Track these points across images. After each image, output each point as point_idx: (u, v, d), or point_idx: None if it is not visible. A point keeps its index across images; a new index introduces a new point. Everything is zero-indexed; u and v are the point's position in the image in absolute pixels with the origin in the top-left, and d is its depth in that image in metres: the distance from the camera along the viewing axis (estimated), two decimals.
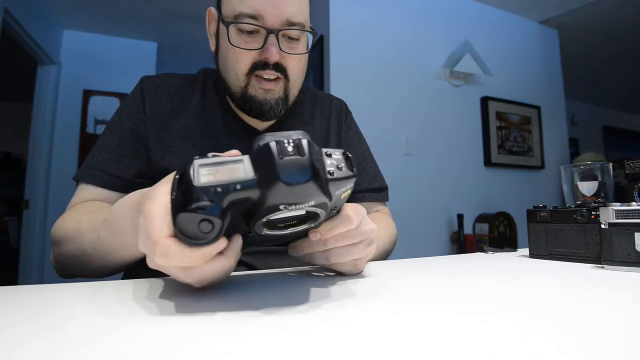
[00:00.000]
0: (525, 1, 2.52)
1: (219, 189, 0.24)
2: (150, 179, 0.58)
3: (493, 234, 2.12)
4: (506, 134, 2.48)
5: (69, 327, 0.24)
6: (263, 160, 0.25)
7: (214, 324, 0.24)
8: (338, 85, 1.98)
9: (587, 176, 0.57)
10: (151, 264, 0.27)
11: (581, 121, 4.47)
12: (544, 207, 0.56)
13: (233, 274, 0.45)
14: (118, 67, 2.89)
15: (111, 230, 0.40)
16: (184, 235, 0.24)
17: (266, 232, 0.31)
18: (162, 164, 0.58)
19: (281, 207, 0.26)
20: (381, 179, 0.77)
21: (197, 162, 0.25)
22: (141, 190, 0.36)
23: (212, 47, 0.63)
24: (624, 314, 0.27)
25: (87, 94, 2.79)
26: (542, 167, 2.61)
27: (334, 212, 0.35)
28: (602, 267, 0.46)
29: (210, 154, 0.26)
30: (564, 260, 0.53)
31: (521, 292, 0.34)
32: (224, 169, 0.25)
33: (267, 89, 0.57)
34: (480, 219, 2.23)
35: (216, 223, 0.24)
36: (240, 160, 0.26)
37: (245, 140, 0.62)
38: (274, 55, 0.55)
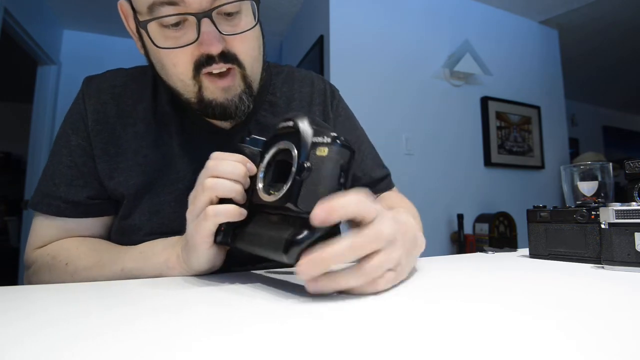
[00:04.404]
0: (525, 1, 2.52)
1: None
2: (107, 199, 0.53)
3: (493, 234, 2.12)
4: (506, 134, 2.48)
5: (68, 327, 0.24)
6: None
7: (213, 323, 0.24)
8: (338, 85, 1.98)
9: (587, 176, 0.57)
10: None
11: (581, 121, 4.47)
12: (544, 207, 0.56)
13: (233, 273, 0.45)
14: (118, 67, 2.88)
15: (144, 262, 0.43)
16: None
17: (262, 194, 0.34)
18: (110, 186, 0.51)
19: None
20: (382, 167, 0.68)
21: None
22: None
23: (141, 50, 0.50)
24: (624, 314, 0.27)
25: None
26: (542, 167, 2.61)
27: (307, 170, 0.31)
28: (602, 267, 0.46)
29: None
30: (564, 260, 0.53)
31: (521, 292, 0.34)
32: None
33: (225, 87, 0.46)
34: (480, 219, 2.23)
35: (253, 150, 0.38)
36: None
37: (204, 146, 0.51)
38: (214, 46, 0.43)
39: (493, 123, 2.43)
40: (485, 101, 2.43)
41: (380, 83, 2.11)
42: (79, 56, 2.82)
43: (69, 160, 0.52)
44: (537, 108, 2.64)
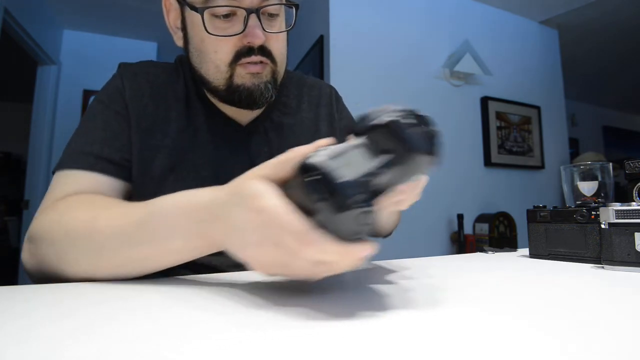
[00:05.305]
0: (525, 1, 2.52)
1: (365, 179, 0.24)
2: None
3: (493, 234, 2.12)
4: (506, 134, 2.48)
5: (68, 327, 0.23)
6: (392, 137, 0.25)
7: (221, 325, 0.24)
8: (338, 86, 1.98)
9: (587, 176, 0.57)
10: (294, 264, 0.27)
11: (581, 121, 4.47)
12: (544, 207, 0.56)
13: (238, 273, 0.45)
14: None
15: (150, 236, 0.35)
16: (339, 235, 0.24)
17: None
18: (137, 156, 0.53)
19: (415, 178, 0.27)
20: None
21: (324, 155, 0.24)
22: (199, 193, 0.34)
23: (179, 42, 0.57)
24: (624, 314, 0.27)
25: (87, 94, 2.79)
26: (542, 167, 2.61)
27: None
28: (602, 267, 0.46)
29: (321, 148, 0.26)
30: (564, 260, 0.53)
31: (521, 292, 0.34)
32: (353, 157, 0.25)
33: (254, 73, 0.52)
34: (480, 219, 2.23)
35: (373, 211, 0.24)
36: (361, 145, 0.26)
37: (225, 138, 0.58)
38: (259, 38, 0.49)
39: (493, 123, 2.43)
40: (485, 101, 2.43)
41: (380, 83, 2.11)
42: (79, 56, 2.83)
43: (103, 124, 0.53)
44: (537, 108, 2.64)
